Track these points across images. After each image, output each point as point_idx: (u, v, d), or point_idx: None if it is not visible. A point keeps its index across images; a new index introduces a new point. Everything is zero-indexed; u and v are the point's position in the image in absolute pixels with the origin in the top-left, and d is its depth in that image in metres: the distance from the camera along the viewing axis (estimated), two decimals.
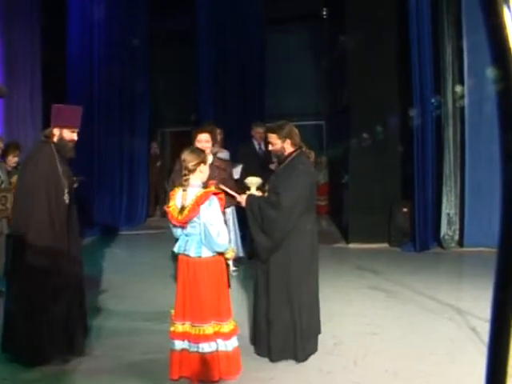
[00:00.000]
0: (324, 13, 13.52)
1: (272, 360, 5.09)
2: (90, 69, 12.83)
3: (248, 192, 5.21)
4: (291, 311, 5.04)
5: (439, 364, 5.06)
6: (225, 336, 4.55)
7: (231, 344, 4.59)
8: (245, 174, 9.39)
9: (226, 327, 4.57)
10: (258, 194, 5.23)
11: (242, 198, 5.12)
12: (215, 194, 4.57)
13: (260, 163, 9.28)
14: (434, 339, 5.71)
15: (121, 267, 9.16)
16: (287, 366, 5.06)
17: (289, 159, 5.20)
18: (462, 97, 10.05)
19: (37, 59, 11.70)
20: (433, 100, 10.28)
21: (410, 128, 10.11)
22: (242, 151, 9.92)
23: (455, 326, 6.10)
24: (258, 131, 9.88)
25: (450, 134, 10.33)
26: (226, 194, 5.14)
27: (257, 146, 9.91)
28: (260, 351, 5.22)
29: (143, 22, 13.50)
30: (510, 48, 0.93)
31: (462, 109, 10.21)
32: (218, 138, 9.71)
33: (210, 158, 5.98)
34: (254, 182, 5.25)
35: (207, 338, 4.49)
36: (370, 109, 10.49)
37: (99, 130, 12.76)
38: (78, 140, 11.74)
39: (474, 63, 10.08)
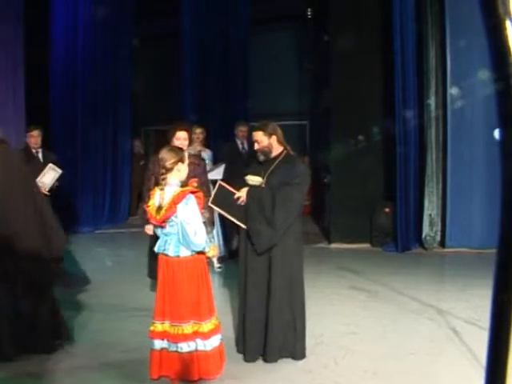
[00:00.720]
0: (308, 13, 13.53)
1: (268, 360, 5.08)
2: (74, 68, 12.74)
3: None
4: (292, 310, 5.12)
5: (419, 364, 5.09)
6: (204, 336, 4.51)
7: (210, 344, 4.54)
8: (228, 173, 9.41)
9: (206, 327, 4.53)
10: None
11: (242, 192, 5.04)
12: (193, 192, 4.55)
13: (243, 162, 9.26)
14: (413, 339, 5.74)
15: (102, 266, 9.11)
16: (267, 365, 5.07)
17: (281, 157, 5.23)
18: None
19: (20, 58, 11.60)
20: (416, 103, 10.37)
21: (392, 129, 10.13)
22: (226, 150, 9.89)
23: (435, 326, 6.14)
24: (241, 130, 9.88)
25: (432, 135, 10.38)
26: (222, 191, 5.17)
27: (240, 146, 9.87)
28: (250, 350, 5.15)
29: (128, 21, 13.46)
30: (509, 48, 0.95)
31: (445, 111, 10.27)
32: (201, 137, 9.71)
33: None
34: (254, 180, 5.17)
35: (186, 337, 4.46)
36: (352, 110, 10.51)
37: (83, 128, 12.70)
38: (61, 138, 11.71)
39: (457, 66, 10.17)
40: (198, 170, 6.57)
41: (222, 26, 12.35)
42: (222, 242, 9.78)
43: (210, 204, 5.19)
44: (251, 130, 5.55)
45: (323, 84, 12.24)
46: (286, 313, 5.07)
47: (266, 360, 5.08)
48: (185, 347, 4.47)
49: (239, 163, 9.29)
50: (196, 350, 4.50)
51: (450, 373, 4.88)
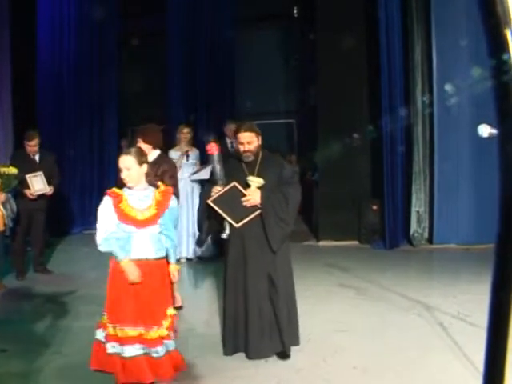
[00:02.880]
0: (295, 12, 13.55)
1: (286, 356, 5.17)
2: (60, 68, 12.70)
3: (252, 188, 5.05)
4: (292, 307, 5.27)
5: (408, 360, 5.11)
6: (151, 342, 4.32)
7: (158, 350, 4.33)
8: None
9: (154, 333, 4.33)
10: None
11: (252, 192, 4.97)
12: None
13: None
14: (402, 335, 5.76)
15: (89, 266, 9.07)
16: (257, 364, 5.07)
17: (261, 156, 5.23)
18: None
19: (6, 60, 11.57)
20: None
21: (379, 127, 10.17)
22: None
23: (424, 322, 6.17)
24: (230, 128, 9.72)
25: (419, 132, 10.44)
26: (233, 192, 5.05)
27: (229, 144, 9.81)
28: (255, 351, 5.10)
29: (114, 20, 13.41)
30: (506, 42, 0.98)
31: (431, 108, 10.32)
32: (188, 136, 9.71)
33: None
34: (256, 181, 5.01)
35: (131, 340, 4.31)
36: (338, 108, 10.54)
37: (69, 129, 12.67)
38: (48, 139, 11.67)
39: (443, 63, 10.23)
40: (165, 166, 6.41)
41: (208, 25, 12.29)
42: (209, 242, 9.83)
43: (209, 202, 5.02)
44: (244, 128, 5.18)
45: (310, 82, 12.27)
46: (286, 310, 5.15)
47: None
48: (130, 351, 4.30)
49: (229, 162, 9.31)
50: (143, 355, 4.30)
51: (438, 368, 4.90)
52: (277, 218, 5.01)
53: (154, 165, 5.66)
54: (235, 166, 5.25)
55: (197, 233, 9.55)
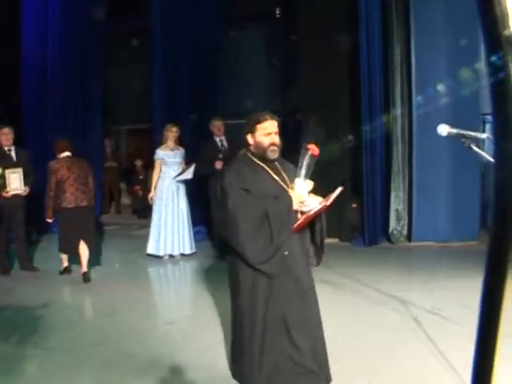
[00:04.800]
0: (277, 13, 13.68)
1: None
2: (44, 67, 12.74)
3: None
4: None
5: (381, 352, 5.27)
6: None
7: None
8: (204, 171, 9.52)
9: None
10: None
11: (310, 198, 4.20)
12: None
13: (224, 160, 9.22)
14: (376, 329, 5.93)
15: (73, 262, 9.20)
16: None
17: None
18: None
19: None
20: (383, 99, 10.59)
21: (358, 126, 10.33)
22: (205, 149, 9.81)
23: (398, 316, 6.35)
24: (216, 125, 9.77)
25: (397, 132, 10.61)
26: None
27: (218, 143, 9.77)
28: None
29: (98, 19, 13.46)
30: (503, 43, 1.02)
31: (410, 108, 10.52)
32: (176, 135, 9.80)
33: None
34: (308, 183, 4.21)
35: None
36: (319, 108, 10.68)
37: (53, 128, 12.71)
38: (32, 138, 11.71)
39: (422, 63, 10.42)
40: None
41: (192, 25, 12.36)
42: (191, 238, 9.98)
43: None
44: (271, 117, 4.33)
45: (292, 83, 12.41)
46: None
47: None
48: None
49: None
50: None
51: (410, 360, 5.07)
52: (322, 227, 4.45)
53: None
54: (253, 167, 4.28)
55: (184, 230, 9.82)
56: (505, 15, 1.02)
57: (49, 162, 8.53)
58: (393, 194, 10.60)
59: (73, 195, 8.28)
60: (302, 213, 4.15)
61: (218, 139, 9.78)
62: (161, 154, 9.76)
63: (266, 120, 4.25)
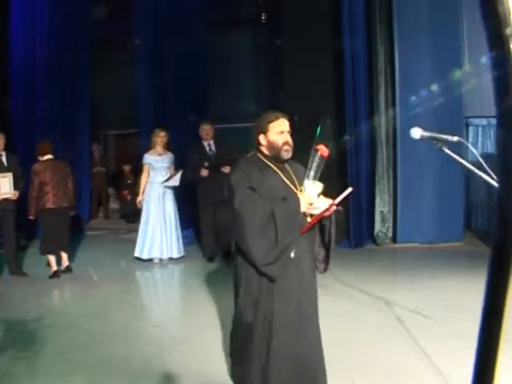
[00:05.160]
0: (263, 18, 13.82)
1: None
2: (31, 73, 12.76)
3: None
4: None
5: (364, 351, 5.39)
6: None
7: None
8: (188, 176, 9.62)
9: None
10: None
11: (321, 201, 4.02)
12: None
13: (211, 166, 9.31)
14: (360, 328, 6.05)
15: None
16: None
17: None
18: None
19: None
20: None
21: (343, 129, 10.48)
22: (193, 155, 9.81)
23: (382, 315, 6.48)
24: (204, 129, 9.76)
25: (382, 135, 10.75)
26: None
27: (207, 148, 9.77)
28: None
29: (86, 24, 13.54)
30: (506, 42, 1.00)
31: (394, 111, 10.67)
32: (165, 140, 9.84)
33: None
34: (318, 185, 4.07)
35: None
36: (304, 111, 10.78)
37: (41, 133, 12.70)
38: (20, 143, 11.75)
39: (405, 67, 10.59)
40: None
41: (178, 30, 12.41)
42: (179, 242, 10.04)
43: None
44: (283, 116, 4.21)
45: (278, 86, 12.54)
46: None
47: None
48: None
49: (208, 167, 9.37)
50: None
51: (393, 358, 5.20)
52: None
53: None
54: (261, 167, 4.12)
55: (172, 234, 9.89)
56: (507, 14, 1.01)
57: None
58: (378, 196, 10.75)
59: (55, 196, 8.65)
60: (311, 215, 4.03)
61: (206, 143, 9.78)
62: (149, 158, 9.82)
63: (278, 119, 4.14)
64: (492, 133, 12.30)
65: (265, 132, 4.13)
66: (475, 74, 11.46)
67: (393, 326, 6.11)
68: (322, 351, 4.29)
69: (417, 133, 3.57)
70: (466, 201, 11.53)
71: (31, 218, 8.73)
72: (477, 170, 3.42)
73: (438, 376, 4.73)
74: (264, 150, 4.17)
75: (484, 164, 3.37)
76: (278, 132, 4.09)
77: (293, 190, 4.05)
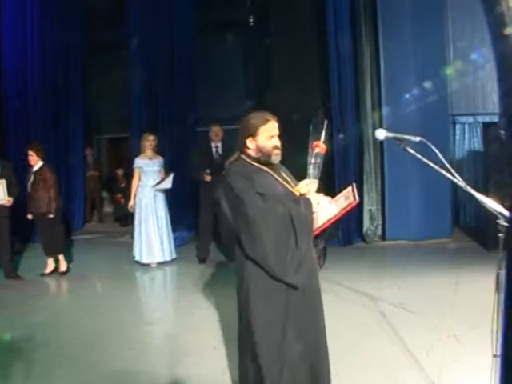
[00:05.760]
0: (250, 20, 13.97)
1: None
2: (24, 78, 12.92)
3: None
4: None
5: (348, 346, 5.54)
6: None
7: None
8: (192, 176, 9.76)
9: None
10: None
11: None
12: None
13: (217, 168, 9.28)
14: (344, 323, 6.20)
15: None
16: None
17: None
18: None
19: None
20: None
21: (331, 129, 10.63)
22: (197, 154, 9.96)
23: (366, 311, 6.65)
24: (214, 131, 9.78)
25: (369, 134, 10.92)
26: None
27: (214, 149, 9.80)
28: None
29: (78, 29, 13.68)
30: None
31: (380, 110, 10.86)
32: (153, 144, 9.94)
33: None
34: (313, 182, 3.91)
35: None
36: (293, 111, 10.93)
37: (35, 138, 12.84)
38: (13, 148, 11.85)
39: (389, 67, 10.79)
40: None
41: (168, 34, 12.52)
42: (171, 244, 10.17)
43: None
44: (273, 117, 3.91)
45: (266, 87, 12.71)
46: None
47: None
48: None
49: (213, 169, 9.40)
50: None
51: (373, 351, 5.38)
52: None
53: None
54: (257, 172, 3.80)
55: (163, 236, 9.99)
56: (509, 12, 1.08)
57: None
58: (366, 195, 10.93)
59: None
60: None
61: (214, 145, 9.80)
62: (139, 162, 9.91)
63: (268, 122, 3.81)
64: (479, 130, 12.48)
65: (253, 136, 3.80)
66: (461, 73, 11.66)
67: (376, 320, 6.28)
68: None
69: (381, 134, 3.71)
70: (454, 197, 11.72)
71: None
72: (439, 169, 3.59)
73: (414, 364, 4.93)
74: (251, 153, 3.84)
75: (447, 164, 3.54)
76: (269, 137, 3.79)
77: (293, 192, 3.83)
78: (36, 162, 9.16)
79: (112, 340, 6.16)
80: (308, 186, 3.83)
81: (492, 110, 11.82)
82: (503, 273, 3.34)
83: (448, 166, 3.50)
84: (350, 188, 3.92)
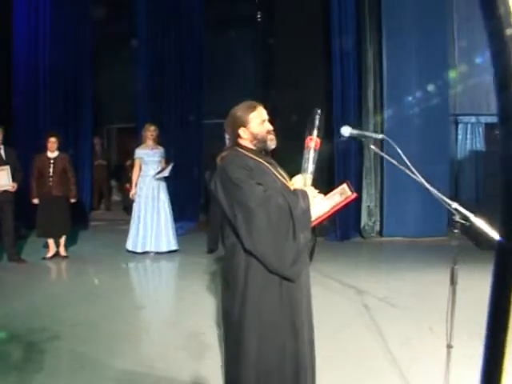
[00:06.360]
0: (258, 17, 14.15)
1: None
2: (36, 68, 13.15)
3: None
4: None
5: (329, 336, 5.72)
6: None
7: None
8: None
9: None
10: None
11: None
12: None
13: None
14: (325, 315, 6.36)
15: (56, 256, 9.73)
16: None
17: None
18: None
19: None
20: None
21: (332, 125, 10.79)
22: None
23: (350, 303, 6.87)
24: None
25: (370, 131, 11.07)
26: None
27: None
28: None
29: (88, 22, 13.88)
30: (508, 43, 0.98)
31: (382, 108, 11.02)
32: (154, 134, 10.14)
33: None
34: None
35: None
36: (295, 108, 11.08)
37: (44, 129, 13.04)
38: (24, 137, 12.09)
39: (393, 65, 10.94)
40: None
41: (175, 29, 12.71)
42: (174, 234, 10.38)
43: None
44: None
45: (271, 84, 12.90)
46: None
47: None
48: None
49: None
50: None
51: (352, 341, 5.59)
52: None
53: None
54: (253, 163, 3.60)
55: (167, 226, 10.19)
56: (509, 15, 1.00)
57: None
58: (365, 191, 11.12)
59: None
60: None
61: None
62: (140, 153, 10.13)
63: (256, 108, 3.69)
64: (481, 130, 12.60)
65: (245, 124, 3.66)
66: (464, 73, 11.78)
67: (358, 312, 6.48)
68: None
69: (346, 131, 3.84)
70: (453, 197, 11.86)
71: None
72: (400, 166, 3.76)
73: (388, 355, 5.13)
74: (247, 143, 3.68)
75: (408, 162, 3.70)
76: (260, 122, 3.66)
77: (288, 185, 3.68)
78: (55, 150, 9.70)
79: (105, 320, 6.43)
80: (303, 181, 3.68)
81: (495, 111, 11.94)
82: (457, 267, 3.56)
83: (409, 164, 3.66)
84: (344, 185, 3.88)
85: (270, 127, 3.68)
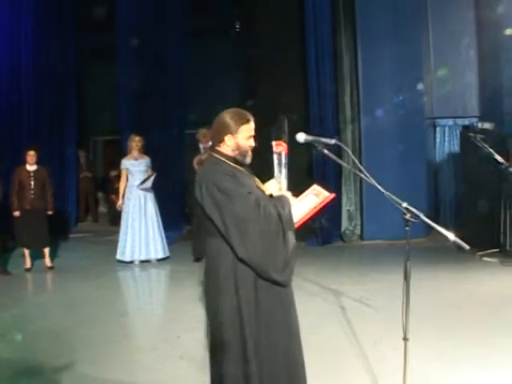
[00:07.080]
0: (237, 27, 14.35)
1: None
2: (18, 81, 13.28)
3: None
4: None
5: (304, 337, 5.89)
6: None
7: None
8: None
9: None
10: None
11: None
12: None
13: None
14: (305, 316, 6.50)
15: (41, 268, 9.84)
16: None
17: None
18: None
19: None
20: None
21: (311, 132, 10.95)
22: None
23: (326, 304, 7.08)
24: (203, 133, 10.05)
25: (348, 137, 11.32)
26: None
27: (202, 150, 10.05)
28: None
29: (72, 34, 14.00)
30: None
31: (359, 115, 11.24)
32: (139, 145, 10.29)
33: None
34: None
35: None
36: (273, 116, 11.24)
37: (28, 142, 13.03)
38: (7, 150, 12.15)
39: (368, 74, 11.17)
40: None
41: (157, 39, 12.75)
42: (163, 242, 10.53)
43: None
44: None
45: (249, 93, 13.07)
46: None
47: None
48: None
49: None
50: None
51: (326, 341, 5.75)
52: None
53: None
54: (235, 170, 3.60)
55: (155, 235, 10.30)
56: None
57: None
58: (344, 195, 11.32)
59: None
60: None
61: (201, 146, 10.14)
62: (126, 163, 10.28)
63: (249, 121, 3.68)
64: (458, 133, 12.84)
65: (233, 133, 3.61)
66: (442, 78, 12.03)
67: (334, 313, 6.66)
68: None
69: (301, 137, 3.94)
70: (434, 198, 12.10)
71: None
72: (358, 172, 3.92)
73: (360, 355, 5.31)
74: (227, 151, 3.62)
75: (359, 165, 3.86)
76: (248, 137, 3.64)
77: (265, 193, 3.71)
78: (34, 163, 9.82)
79: (85, 330, 6.54)
80: (278, 185, 3.79)
81: (471, 114, 12.23)
82: (409, 263, 3.75)
83: (361, 167, 3.85)
84: (314, 185, 3.95)
85: (253, 144, 3.68)
